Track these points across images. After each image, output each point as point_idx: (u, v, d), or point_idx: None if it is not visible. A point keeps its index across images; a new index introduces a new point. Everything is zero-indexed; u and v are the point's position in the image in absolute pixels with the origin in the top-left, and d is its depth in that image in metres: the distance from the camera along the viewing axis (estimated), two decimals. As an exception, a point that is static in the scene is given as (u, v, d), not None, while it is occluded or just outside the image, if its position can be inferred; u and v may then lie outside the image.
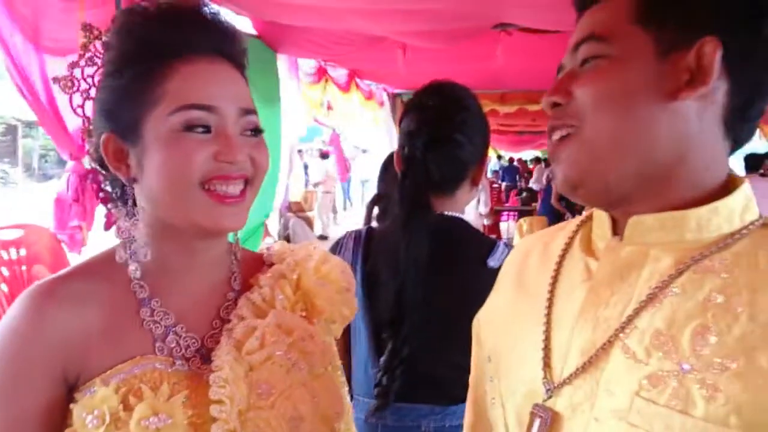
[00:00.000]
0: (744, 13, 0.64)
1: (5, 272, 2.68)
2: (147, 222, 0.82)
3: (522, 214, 10.10)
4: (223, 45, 0.81)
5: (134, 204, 0.83)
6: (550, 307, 0.75)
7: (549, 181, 9.10)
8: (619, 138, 0.66)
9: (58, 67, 2.56)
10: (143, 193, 0.80)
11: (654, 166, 0.67)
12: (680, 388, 0.60)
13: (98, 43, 0.83)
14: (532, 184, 13.72)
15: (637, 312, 0.66)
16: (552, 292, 0.75)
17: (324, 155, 11.49)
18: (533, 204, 11.15)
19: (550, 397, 0.69)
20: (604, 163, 0.67)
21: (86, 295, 0.78)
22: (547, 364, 0.71)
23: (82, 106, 0.84)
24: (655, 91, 0.65)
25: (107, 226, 0.86)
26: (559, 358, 0.70)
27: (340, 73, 5.80)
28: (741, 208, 0.66)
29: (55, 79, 0.83)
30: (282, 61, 4.58)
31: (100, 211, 3.06)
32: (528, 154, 19.71)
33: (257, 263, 0.92)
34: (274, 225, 4.99)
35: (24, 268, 2.77)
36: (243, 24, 4.11)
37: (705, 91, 0.63)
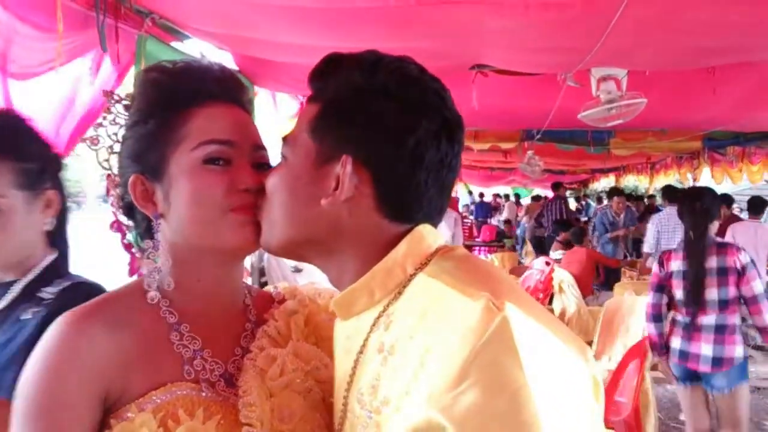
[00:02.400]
0: (377, 135, 0.77)
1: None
2: (172, 253, 0.89)
3: (493, 249, 10.23)
4: (235, 93, 0.93)
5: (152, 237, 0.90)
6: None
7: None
8: (282, 218, 0.83)
9: (20, 90, 2.57)
10: (171, 226, 0.88)
11: (318, 244, 0.82)
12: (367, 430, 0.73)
13: (119, 106, 0.93)
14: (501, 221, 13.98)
15: (351, 376, 0.80)
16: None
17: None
18: (505, 240, 11.33)
19: None
20: (273, 236, 0.85)
21: (119, 320, 0.84)
22: None
23: (107, 161, 0.94)
24: (311, 192, 0.80)
25: (131, 272, 0.92)
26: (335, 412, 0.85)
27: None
28: (402, 259, 0.79)
29: (83, 139, 0.93)
30: (261, 96, 4.65)
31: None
32: (498, 190, 19.99)
33: (267, 299, 1.01)
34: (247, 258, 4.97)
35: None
36: (224, 59, 4.18)
37: (345, 196, 0.77)
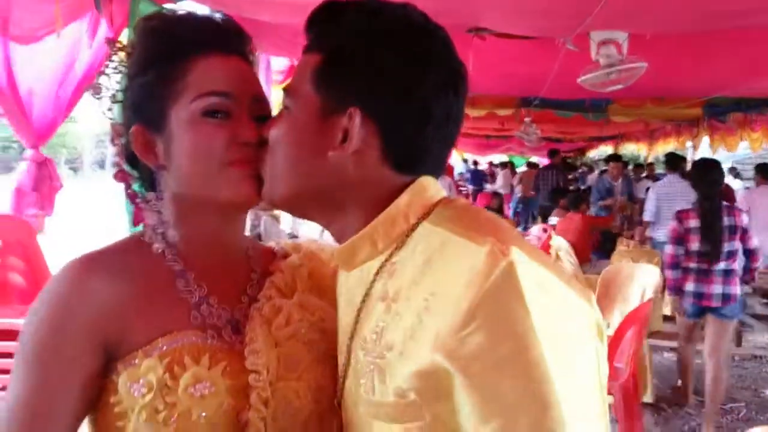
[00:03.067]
0: (385, 87, 0.76)
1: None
2: (175, 204, 0.89)
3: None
4: (236, 43, 0.90)
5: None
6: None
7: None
8: (285, 172, 0.81)
9: (21, 54, 2.54)
10: (172, 177, 0.88)
11: (323, 197, 0.81)
12: (370, 378, 0.74)
13: (122, 54, 0.92)
14: (498, 188, 13.92)
15: (355, 324, 0.80)
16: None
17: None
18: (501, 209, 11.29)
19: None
20: (277, 189, 0.83)
21: (125, 267, 0.84)
22: None
23: (110, 110, 0.93)
24: (316, 144, 0.78)
25: (136, 222, 0.92)
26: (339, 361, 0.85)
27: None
28: (405, 208, 0.78)
29: (87, 87, 0.90)
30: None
31: (60, 199, 3.05)
32: (494, 158, 19.94)
33: (270, 253, 1.01)
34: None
35: (-1, 259, 2.74)
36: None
37: (353, 148, 0.76)
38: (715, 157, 10.52)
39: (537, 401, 0.61)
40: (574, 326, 0.68)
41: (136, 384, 0.78)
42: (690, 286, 3.93)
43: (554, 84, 5.64)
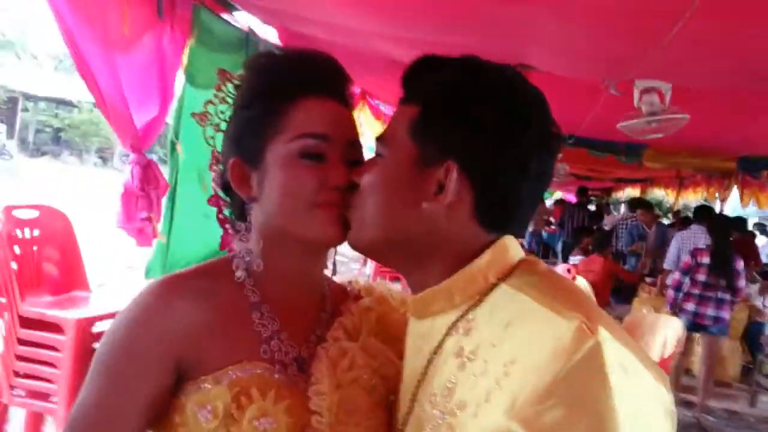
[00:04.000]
0: (482, 144, 0.78)
1: (17, 250, 2.70)
2: (263, 236, 0.92)
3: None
4: (338, 87, 0.94)
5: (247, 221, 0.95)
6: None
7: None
8: (376, 218, 0.83)
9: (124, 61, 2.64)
10: (262, 210, 0.91)
11: (409, 246, 0.83)
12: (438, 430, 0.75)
13: (230, 85, 0.96)
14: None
15: (423, 374, 0.82)
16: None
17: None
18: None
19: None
20: (365, 234, 0.85)
21: (207, 293, 0.88)
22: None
23: (213, 138, 0.97)
24: (410, 194, 0.80)
25: (222, 246, 0.95)
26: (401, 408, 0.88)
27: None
28: (485, 267, 0.80)
29: (193, 114, 0.96)
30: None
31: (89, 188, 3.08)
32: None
33: (342, 292, 1.03)
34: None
35: (36, 248, 2.80)
36: (269, 34, 4.19)
37: (448, 201, 0.78)
38: (745, 211, 10.47)
39: None
40: (652, 410, 0.68)
41: (204, 410, 0.81)
42: (690, 306, 5.09)
43: (592, 124, 5.65)
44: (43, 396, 2.69)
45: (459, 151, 0.78)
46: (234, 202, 0.97)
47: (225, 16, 3.62)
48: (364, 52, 4.19)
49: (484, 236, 0.82)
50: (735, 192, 9.32)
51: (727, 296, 5.06)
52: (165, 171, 3.15)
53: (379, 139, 0.86)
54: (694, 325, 5.15)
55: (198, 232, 3.79)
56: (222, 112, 0.96)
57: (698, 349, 5.67)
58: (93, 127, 29.76)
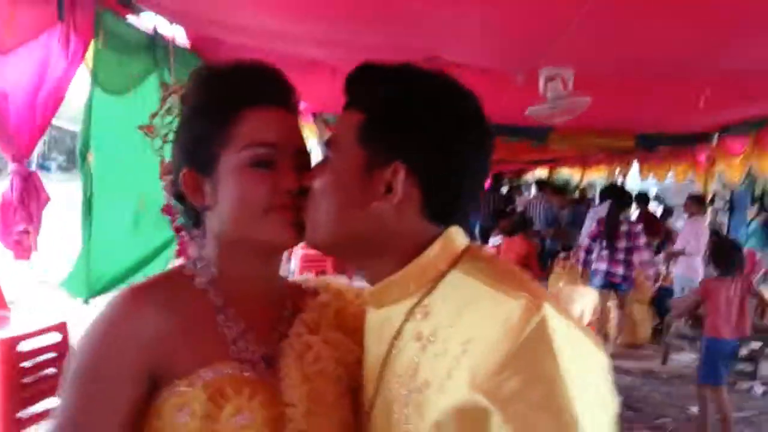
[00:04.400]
0: (426, 145, 0.84)
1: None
2: (217, 243, 0.95)
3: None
4: (283, 96, 0.96)
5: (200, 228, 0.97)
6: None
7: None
8: (330, 220, 0.88)
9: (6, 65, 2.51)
10: (216, 218, 0.93)
11: (363, 243, 0.88)
12: (404, 409, 0.82)
13: (174, 97, 0.98)
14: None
15: (385, 358, 0.88)
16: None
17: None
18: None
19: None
20: (320, 234, 0.90)
21: (171, 300, 0.90)
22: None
23: (161, 149, 0.99)
24: (361, 195, 0.86)
25: (179, 254, 0.96)
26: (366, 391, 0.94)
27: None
28: (436, 257, 0.87)
29: (140, 127, 0.98)
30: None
31: (46, 215, 2.96)
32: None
33: (298, 289, 1.06)
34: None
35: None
36: (177, 34, 4.09)
37: (397, 200, 0.84)
38: (644, 184, 11.12)
39: None
40: (594, 372, 0.77)
41: (181, 412, 0.83)
42: (602, 267, 5.86)
43: (503, 112, 5.86)
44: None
45: (405, 153, 0.84)
46: (187, 210, 0.99)
47: (130, 17, 3.52)
48: (278, 54, 4.18)
49: (431, 229, 0.88)
50: (634, 168, 9.94)
51: (630, 257, 5.82)
52: (48, 181, 3.00)
53: (328, 144, 0.91)
54: (608, 283, 5.88)
55: (120, 243, 3.69)
56: (168, 123, 0.98)
57: (611, 317, 6.05)
58: None
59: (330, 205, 0.88)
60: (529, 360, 0.72)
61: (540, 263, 7.25)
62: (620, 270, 5.81)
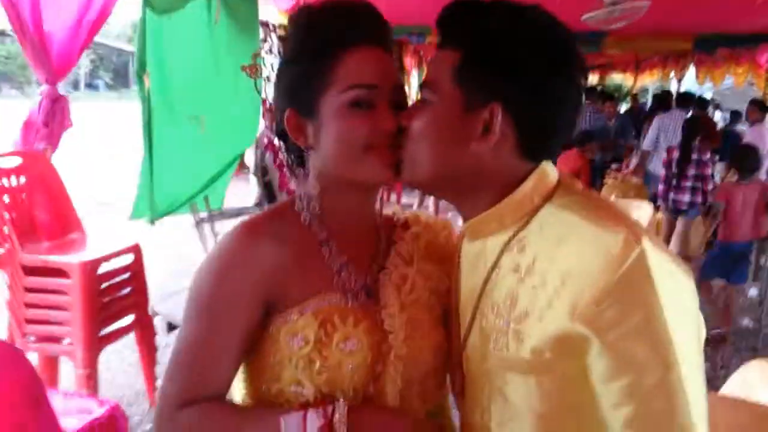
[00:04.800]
0: (523, 83, 0.84)
1: (6, 199, 2.69)
2: (320, 181, 0.99)
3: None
4: (380, 36, 0.97)
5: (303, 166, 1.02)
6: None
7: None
8: (429, 159, 0.91)
9: None
10: (319, 157, 0.97)
11: (460, 181, 0.91)
12: (502, 337, 0.87)
13: (274, 36, 0.95)
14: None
15: (482, 289, 0.93)
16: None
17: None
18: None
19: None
20: (418, 173, 0.93)
21: (283, 234, 0.96)
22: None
23: (264, 89, 0.98)
24: (459, 135, 0.88)
25: (281, 188, 1.01)
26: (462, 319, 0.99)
27: None
28: (530, 192, 0.90)
29: (243, 67, 0.96)
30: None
31: (66, 136, 3.05)
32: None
33: (390, 222, 1.12)
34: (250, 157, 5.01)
35: (24, 195, 2.79)
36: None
37: (493, 141, 0.86)
38: (700, 89, 10.65)
39: (662, 362, 0.74)
40: (686, 299, 0.80)
41: (295, 338, 0.90)
42: (671, 195, 5.39)
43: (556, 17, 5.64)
44: (55, 339, 2.78)
45: (502, 93, 0.84)
46: (290, 148, 1.03)
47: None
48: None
49: (525, 165, 0.90)
50: (691, 71, 9.52)
51: (699, 184, 5.39)
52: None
53: (425, 85, 0.92)
54: (676, 211, 5.65)
55: (180, 165, 3.77)
56: (271, 64, 1.00)
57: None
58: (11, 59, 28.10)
59: (429, 146, 0.90)
60: (629, 291, 0.75)
61: (590, 177, 7.10)
62: (686, 197, 5.58)
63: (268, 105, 0.93)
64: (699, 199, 5.50)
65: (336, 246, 1.00)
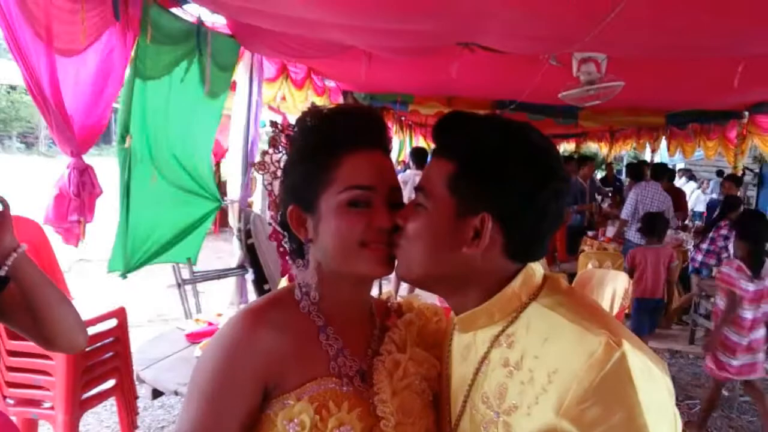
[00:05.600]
0: (512, 196, 0.92)
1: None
2: (318, 272, 1.05)
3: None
4: (379, 139, 1.06)
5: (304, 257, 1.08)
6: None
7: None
8: (422, 259, 0.98)
9: (62, 67, 2.64)
10: (318, 250, 1.04)
11: (451, 279, 0.99)
12: (492, 428, 0.93)
13: (283, 136, 1.08)
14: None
15: (473, 379, 0.99)
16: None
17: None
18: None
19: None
20: (413, 271, 1.01)
21: (283, 321, 1.02)
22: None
23: (271, 184, 1.10)
24: (451, 239, 0.95)
25: (282, 274, 1.09)
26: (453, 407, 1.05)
27: (298, 69, 5.91)
28: (518, 290, 0.97)
29: (251, 164, 1.05)
30: (246, 59, 4.68)
31: (99, 206, 3.09)
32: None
33: (384, 307, 1.18)
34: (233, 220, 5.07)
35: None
36: (217, 23, 4.19)
37: (484, 245, 0.93)
38: (672, 159, 11.00)
39: None
40: (664, 398, 0.87)
41: (291, 423, 0.95)
42: None
43: (534, 92, 5.88)
44: (35, 403, 2.76)
45: (492, 204, 0.93)
46: (292, 240, 1.10)
47: (174, 10, 3.62)
48: (312, 39, 4.25)
49: (512, 266, 0.98)
50: (663, 143, 9.87)
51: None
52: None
53: (419, 189, 1.00)
54: None
55: (152, 221, 3.87)
56: (277, 161, 1.09)
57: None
58: (12, 111, 28.07)
59: (422, 247, 0.97)
60: (611, 391, 0.82)
61: (567, 242, 7.26)
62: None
63: (273, 197, 0.99)
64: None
65: (332, 332, 1.05)
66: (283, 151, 1.09)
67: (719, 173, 8.07)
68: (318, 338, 1.04)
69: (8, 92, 26.76)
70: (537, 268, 1.00)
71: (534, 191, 0.92)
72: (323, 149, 1.02)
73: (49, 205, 2.86)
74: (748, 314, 3.83)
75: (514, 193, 0.92)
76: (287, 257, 1.11)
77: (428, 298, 1.26)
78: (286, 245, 1.11)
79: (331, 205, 1.01)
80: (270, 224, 1.11)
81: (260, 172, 1.09)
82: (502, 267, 0.98)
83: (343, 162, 1.01)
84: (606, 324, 0.89)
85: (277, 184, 1.10)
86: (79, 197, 2.84)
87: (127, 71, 3.26)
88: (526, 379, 0.90)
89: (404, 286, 6.08)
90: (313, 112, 1.06)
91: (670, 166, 9.04)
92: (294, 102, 6.34)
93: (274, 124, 1.09)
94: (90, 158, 3.01)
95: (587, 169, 8.41)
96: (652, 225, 5.02)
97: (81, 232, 2.91)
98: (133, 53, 3.22)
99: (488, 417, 0.94)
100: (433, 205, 0.97)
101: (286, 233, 1.10)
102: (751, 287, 3.81)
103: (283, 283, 2.69)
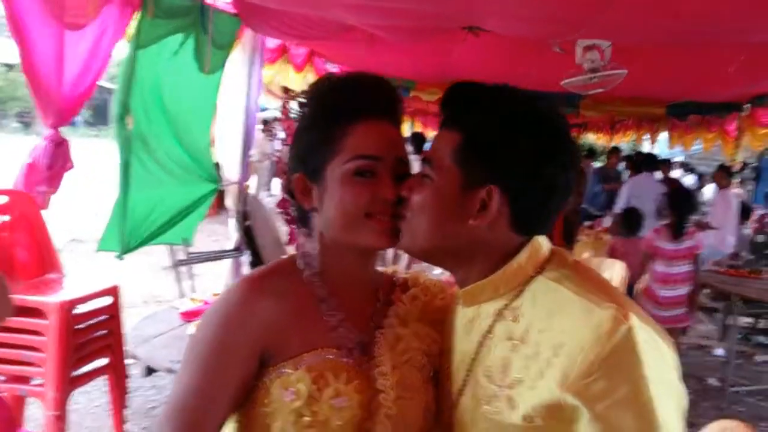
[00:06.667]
0: (520, 168, 0.91)
1: (-9, 238, 2.68)
2: (322, 241, 1.04)
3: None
4: (389, 109, 1.04)
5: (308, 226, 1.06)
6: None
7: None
8: (427, 231, 0.97)
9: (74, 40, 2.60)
10: (322, 220, 1.02)
11: (456, 252, 0.98)
12: (495, 401, 0.91)
13: (294, 103, 1.02)
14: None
15: (476, 353, 0.97)
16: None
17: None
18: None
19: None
20: (417, 244, 0.99)
21: (283, 289, 1.01)
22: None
23: (280, 151, 1.05)
24: (457, 211, 0.94)
25: (290, 242, 1.06)
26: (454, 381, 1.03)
27: (299, 52, 5.83)
28: (524, 263, 0.95)
29: (262, 129, 1.02)
30: (247, 39, 4.61)
31: (67, 178, 3.08)
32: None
33: (390, 282, 1.15)
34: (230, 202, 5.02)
35: (7, 234, 2.78)
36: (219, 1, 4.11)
37: (490, 217, 0.92)
38: (671, 152, 10.99)
39: (647, 430, 0.79)
40: (669, 372, 0.86)
41: (287, 391, 0.94)
42: None
43: (537, 80, 5.83)
44: (24, 379, 2.74)
45: (499, 176, 0.91)
46: (297, 208, 1.08)
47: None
48: (318, 21, 4.20)
49: (518, 239, 0.96)
50: (663, 135, 9.82)
51: None
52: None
53: (425, 161, 0.98)
54: None
55: (152, 202, 3.84)
56: (288, 128, 1.07)
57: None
58: (10, 90, 27.86)
59: (427, 219, 0.96)
60: (617, 364, 0.81)
61: (563, 232, 7.22)
62: None
63: (282, 165, 0.98)
64: None
65: (334, 303, 1.03)
66: (294, 119, 1.07)
67: (722, 169, 8.05)
68: (319, 308, 1.02)
69: (7, 71, 26.53)
70: (543, 242, 0.98)
71: (541, 163, 0.90)
72: (331, 117, 1.00)
73: (20, 173, 2.85)
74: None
75: (521, 165, 0.90)
76: (294, 225, 1.09)
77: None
78: (294, 213, 1.09)
79: (337, 175, 0.99)
80: (285, 196, 1.09)
81: (268, 137, 1.07)
82: (509, 240, 0.95)
83: (350, 131, 0.99)
84: (613, 298, 0.87)
85: (286, 150, 1.08)
86: (50, 170, 2.81)
87: (127, 48, 3.23)
88: (531, 353, 0.88)
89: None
90: (324, 80, 1.05)
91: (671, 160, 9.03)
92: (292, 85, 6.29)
93: (286, 90, 1.07)
94: (88, 139, 2.99)
95: (587, 163, 8.44)
96: (628, 221, 5.30)
97: (45, 203, 2.93)
98: (134, 30, 3.18)
99: (491, 391, 0.92)
100: (439, 176, 0.95)
101: (292, 202, 1.08)
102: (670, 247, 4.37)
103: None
